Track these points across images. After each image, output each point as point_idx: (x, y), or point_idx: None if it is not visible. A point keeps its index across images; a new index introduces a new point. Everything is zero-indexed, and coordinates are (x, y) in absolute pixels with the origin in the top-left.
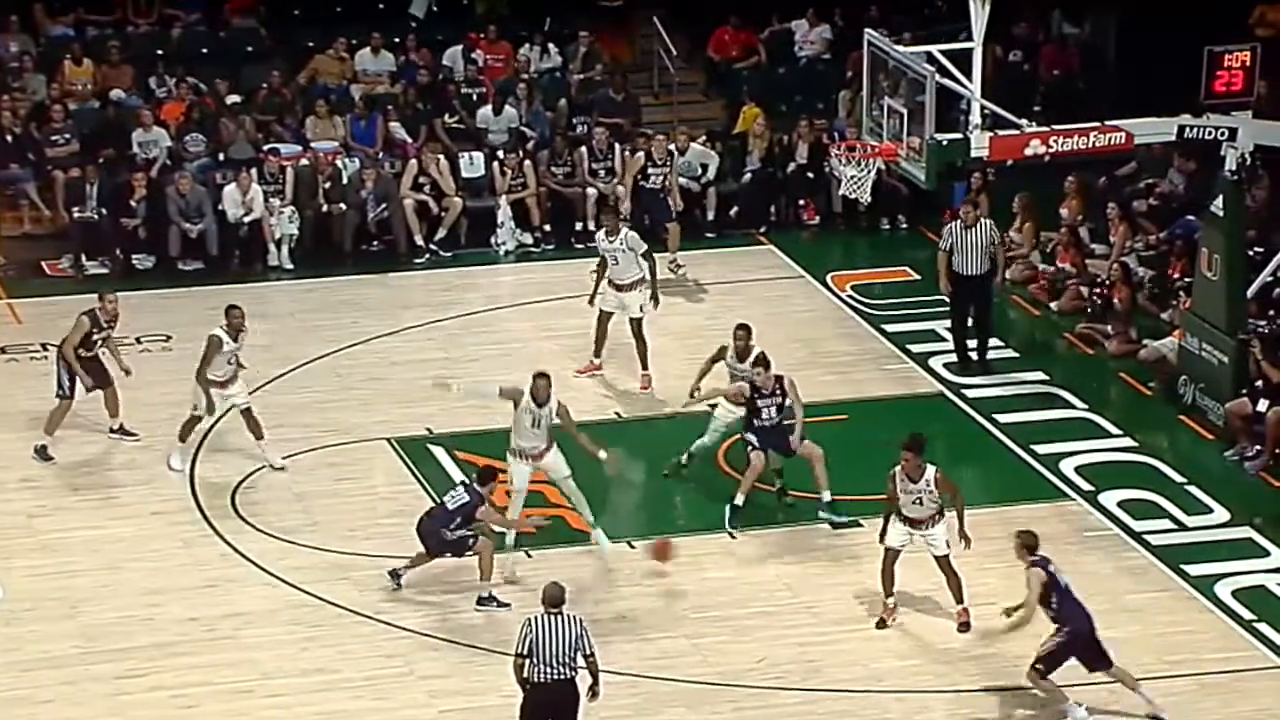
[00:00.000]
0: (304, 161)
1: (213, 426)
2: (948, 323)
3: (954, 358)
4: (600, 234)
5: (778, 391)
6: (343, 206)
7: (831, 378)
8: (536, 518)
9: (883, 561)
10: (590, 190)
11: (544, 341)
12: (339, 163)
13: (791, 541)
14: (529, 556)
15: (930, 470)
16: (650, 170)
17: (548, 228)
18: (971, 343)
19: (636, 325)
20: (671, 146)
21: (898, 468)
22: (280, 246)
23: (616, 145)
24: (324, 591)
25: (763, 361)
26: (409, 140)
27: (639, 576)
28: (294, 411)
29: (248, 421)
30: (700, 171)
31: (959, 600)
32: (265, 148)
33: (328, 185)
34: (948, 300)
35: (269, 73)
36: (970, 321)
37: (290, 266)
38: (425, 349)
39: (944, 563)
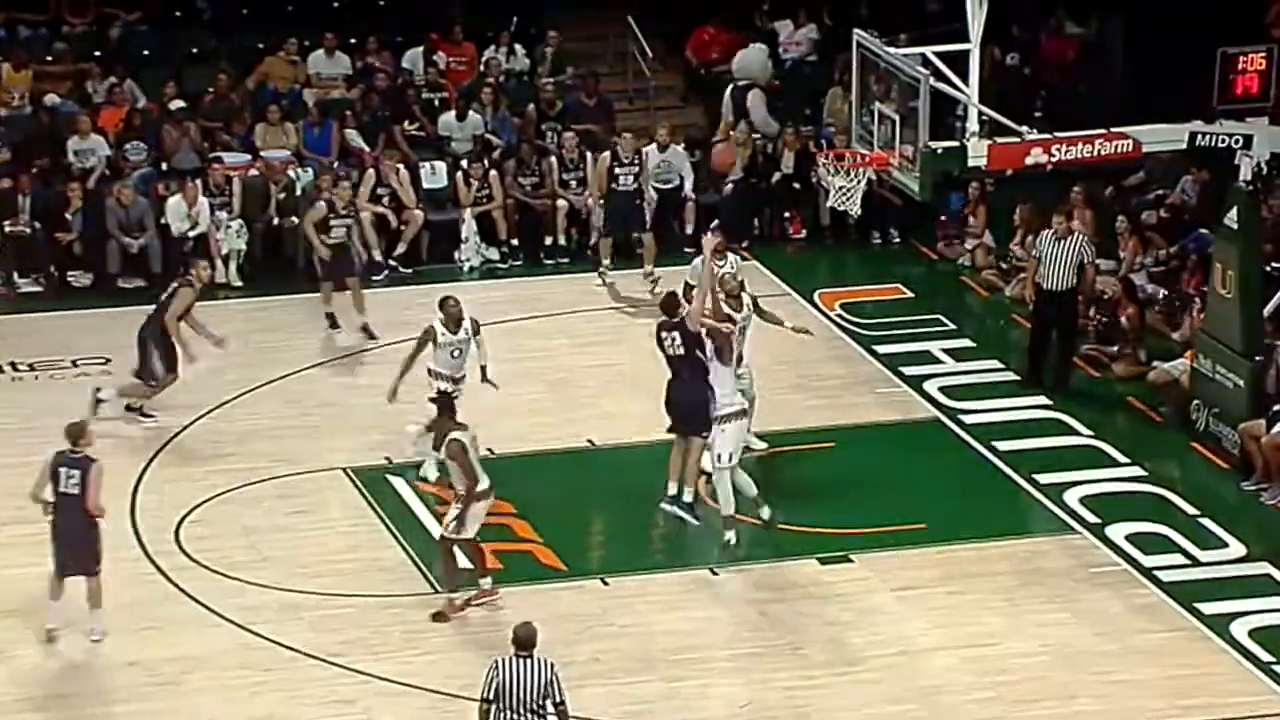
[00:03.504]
0: (253, 171)
1: (154, 457)
2: (945, 342)
3: (949, 378)
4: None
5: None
6: (295, 220)
7: (819, 402)
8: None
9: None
10: (560, 202)
11: (511, 364)
12: (291, 173)
13: (776, 578)
14: (498, 594)
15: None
16: (618, 170)
17: (515, 242)
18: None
19: None
20: (646, 148)
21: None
22: (228, 263)
23: (588, 154)
24: (275, 633)
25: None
26: (366, 149)
27: (613, 616)
28: (242, 439)
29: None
30: (679, 181)
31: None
32: (211, 156)
33: (281, 196)
34: (1030, 312)
35: (215, 76)
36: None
37: (239, 284)
38: (384, 372)
39: (441, 542)
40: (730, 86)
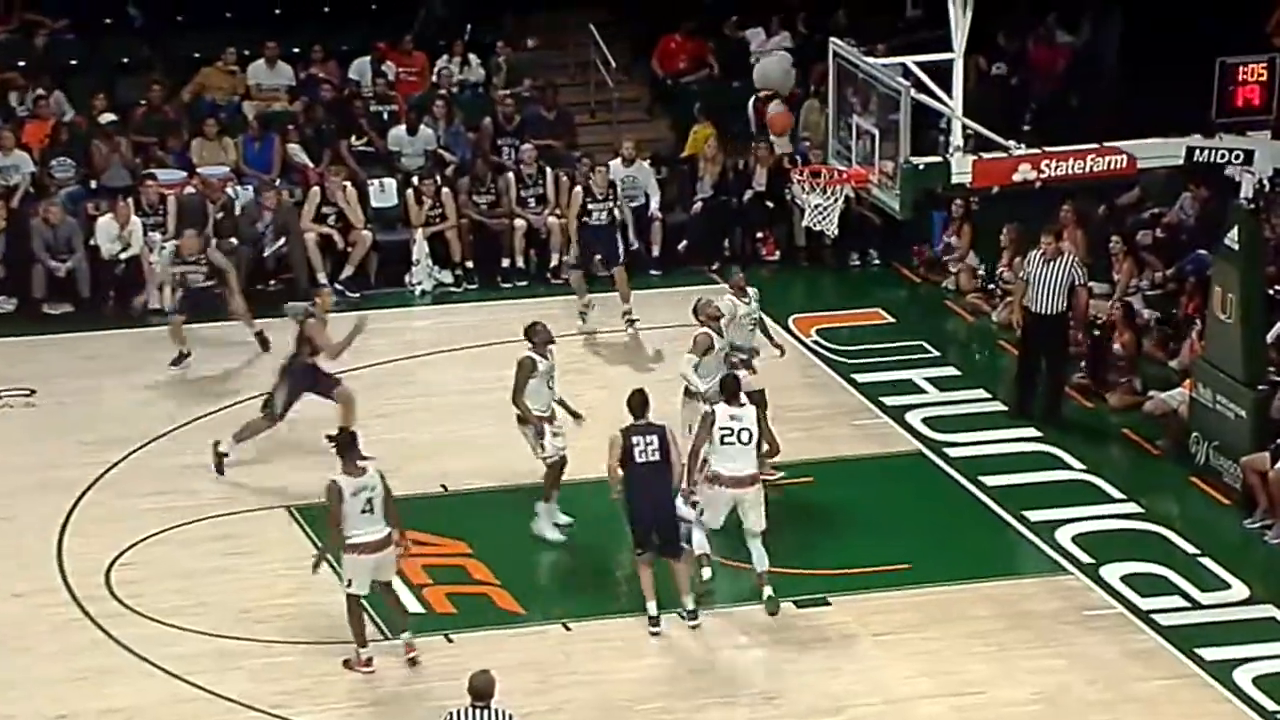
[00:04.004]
0: (189, 189)
1: (82, 496)
2: (929, 371)
3: (933, 409)
4: (728, 298)
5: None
6: (234, 241)
7: (796, 434)
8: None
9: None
10: (518, 222)
11: (467, 395)
12: (230, 191)
13: (749, 622)
14: (450, 641)
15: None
16: (591, 206)
17: (470, 265)
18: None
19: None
20: (613, 176)
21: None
22: (162, 287)
23: (548, 170)
24: (213, 683)
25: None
26: (310, 165)
27: (575, 664)
28: (178, 476)
29: (554, 474)
30: (644, 199)
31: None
32: (144, 173)
33: (220, 216)
34: (1018, 337)
35: (148, 87)
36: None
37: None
38: (329, 404)
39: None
40: (752, 98)
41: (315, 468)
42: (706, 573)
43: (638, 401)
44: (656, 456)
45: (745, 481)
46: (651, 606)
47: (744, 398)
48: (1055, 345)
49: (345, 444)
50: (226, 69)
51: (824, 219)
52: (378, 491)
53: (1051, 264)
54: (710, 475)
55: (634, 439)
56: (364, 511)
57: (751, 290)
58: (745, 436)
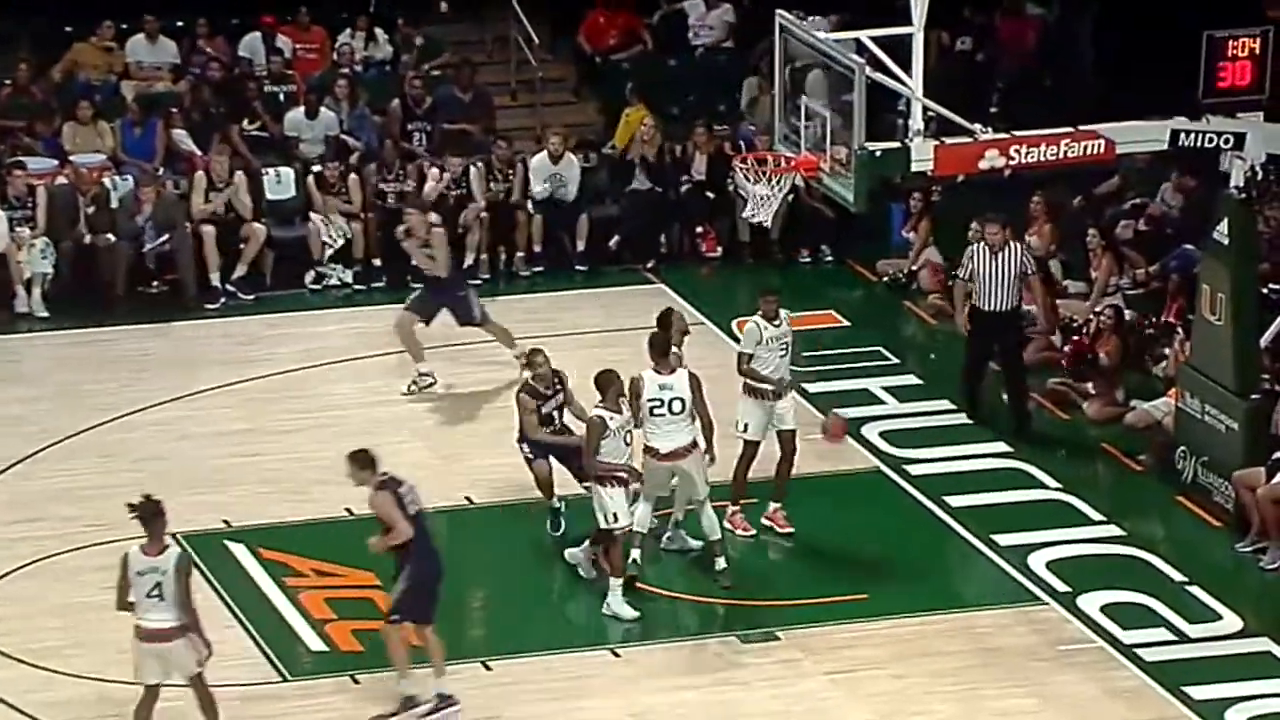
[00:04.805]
0: (61, 180)
1: None
2: (887, 379)
3: (892, 422)
4: (755, 320)
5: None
6: (111, 238)
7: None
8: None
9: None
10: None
11: (376, 408)
12: (107, 181)
13: (690, 659)
14: (356, 682)
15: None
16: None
17: (377, 262)
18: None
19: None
20: (535, 158)
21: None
22: (31, 288)
23: (471, 169)
24: None
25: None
26: (197, 152)
27: (497, 707)
28: (51, 500)
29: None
30: (575, 194)
31: None
32: (10, 161)
33: (92, 210)
34: (965, 339)
35: (14, 66)
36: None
37: (44, 314)
38: (221, 418)
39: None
40: None
41: (202, 490)
42: (635, 554)
43: (365, 457)
44: (422, 503)
45: (680, 453)
46: (442, 684)
47: (674, 361)
48: (1008, 344)
49: (149, 515)
50: (102, 45)
51: (761, 209)
52: (169, 577)
53: (999, 255)
54: (644, 448)
55: (400, 489)
56: (150, 595)
57: (784, 313)
58: (677, 406)
